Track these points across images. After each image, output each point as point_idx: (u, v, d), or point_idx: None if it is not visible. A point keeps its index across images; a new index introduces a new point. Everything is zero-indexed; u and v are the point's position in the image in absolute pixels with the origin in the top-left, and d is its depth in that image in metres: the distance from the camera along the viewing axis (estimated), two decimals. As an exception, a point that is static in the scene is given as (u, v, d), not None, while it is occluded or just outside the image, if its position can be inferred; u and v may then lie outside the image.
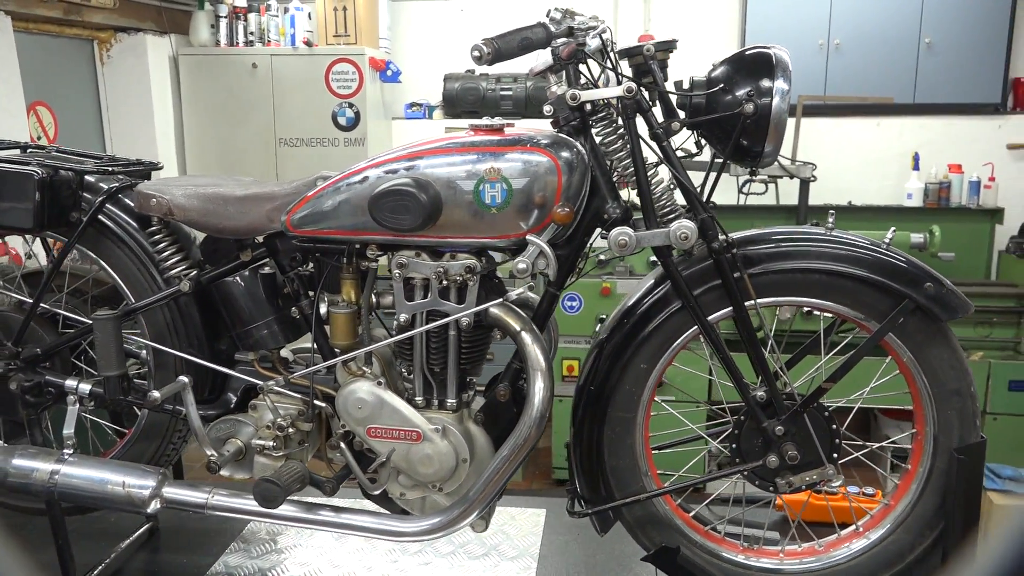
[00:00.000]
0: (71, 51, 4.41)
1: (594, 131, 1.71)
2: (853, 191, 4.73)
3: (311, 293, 1.87)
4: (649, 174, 1.70)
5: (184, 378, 1.73)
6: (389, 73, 4.91)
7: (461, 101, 5.13)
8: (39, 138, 4.05)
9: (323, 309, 1.81)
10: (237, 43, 4.80)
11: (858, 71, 4.77)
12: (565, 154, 1.64)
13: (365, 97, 4.72)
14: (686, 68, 1.90)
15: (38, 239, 1.99)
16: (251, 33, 4.77)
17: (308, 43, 4.68)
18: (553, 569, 2.10)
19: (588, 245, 1.78)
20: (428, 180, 1.62)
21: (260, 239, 1.82)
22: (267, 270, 1.82)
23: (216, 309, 1.86)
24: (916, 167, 4.69)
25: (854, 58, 4.79)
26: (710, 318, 1.72)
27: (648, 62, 1.64)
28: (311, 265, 1.87)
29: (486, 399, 1.87)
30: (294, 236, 1.75)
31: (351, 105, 4.73)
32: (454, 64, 5.24)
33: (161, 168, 1.92)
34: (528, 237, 1.63)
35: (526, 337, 1.70)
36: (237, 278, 1.79)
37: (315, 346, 1.85)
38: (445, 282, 1.71)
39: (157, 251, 1.82)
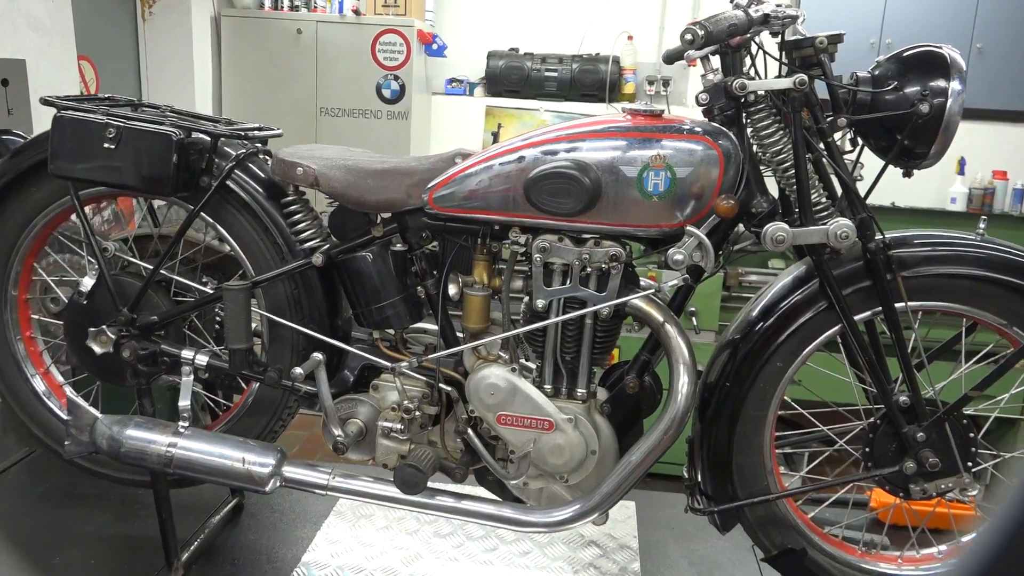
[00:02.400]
0: (114, 6, 4.29)
1: (746, 122, 1.67)
2: (897, 192, 4.72)
3: (435, 272, 1.82)
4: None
5: (319, 355, 1.67)
6: (435, 47, 4.83)
7: (505, 80, 5.08)
8: (81, 93, 3.93)
9: (451, 290, 1.76)
10: (282, 7, 4.69)
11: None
12: (726, 144, 1.59)
13: (411, 70, 4.63)
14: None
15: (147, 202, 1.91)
16: (297, -3, 4.66)
17: (356, 11, 4.58)
18: (657, 563, 2.08)
19: (729, 238, 1.74)
20: (589, 164, 1.57)
21: (388, 215, 1.76)
22: (397, 247, 1.76)
23: (340, 284, 1.80)
24: (961, 172, 4.68)
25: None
26: (855, 318, 1.69)
27: (818, 55, 1.59)
28: (436, 244, 1.82)
29: (609, 390, 1.84)
30: (434, 213, 1.69)
31: (396, 78, 4.64)
32: (497, 41, 5.17)
33: (281, 135, 1.84)
34: (687, 228, 1.59)
35: (670, 330, 1.66)
36: (368, 254, 1.73)
37: (441, 327, 1.79)
38: (588, 269, 1.66)
39: (291, 222, 1.75)
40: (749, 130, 1.67)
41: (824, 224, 1.62)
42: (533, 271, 1.69)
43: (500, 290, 1.74)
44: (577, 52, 5.09)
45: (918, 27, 4.72)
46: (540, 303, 1.69)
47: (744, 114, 1.65)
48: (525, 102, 5.07)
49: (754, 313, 1.79)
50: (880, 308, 1.69)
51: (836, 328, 1.72)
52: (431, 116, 5.16)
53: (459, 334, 1.81)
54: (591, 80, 4.99)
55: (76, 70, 3.58)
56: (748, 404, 1.77)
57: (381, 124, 4.71)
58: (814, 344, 1.74)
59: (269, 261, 1.78)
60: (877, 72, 1.66)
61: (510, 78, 5.04)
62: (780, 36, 1.60)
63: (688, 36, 1.47)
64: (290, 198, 1.76)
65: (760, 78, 1.65)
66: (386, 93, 4.66)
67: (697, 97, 1.67)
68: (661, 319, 1.66)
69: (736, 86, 1.57)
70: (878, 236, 1.64)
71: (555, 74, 5.00)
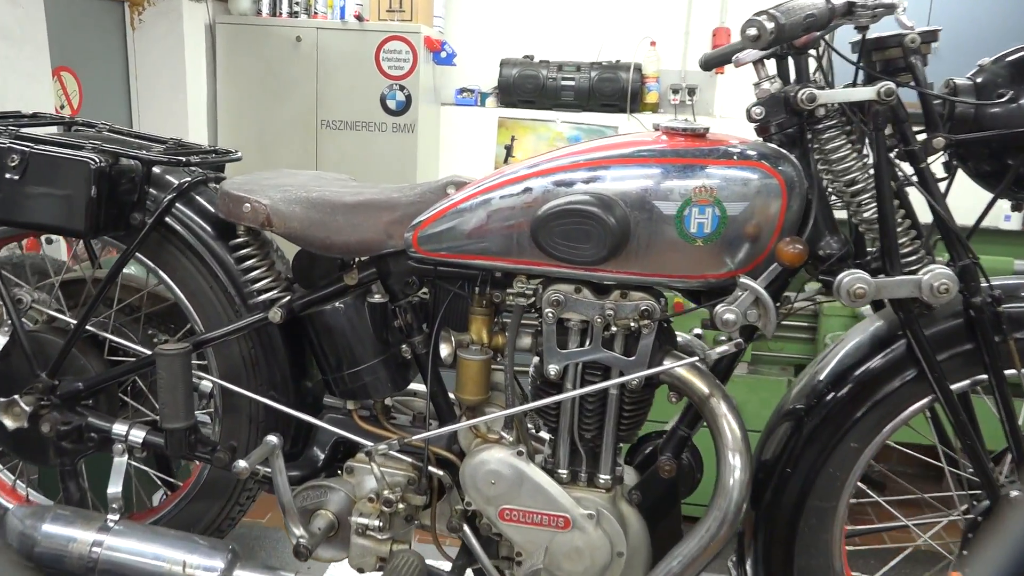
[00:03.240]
0: (100, 13, 4.00)
1: (812, 142, 1.32)
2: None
3: (424, 328, 1.48)
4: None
5: (274, 438, 1.34)
6: (444, 55, 4.51)
7: (519, 89, 4.75)
8: (62, 107, 3.65)
9: (443, 351, 1.42)
10: (280, 13, 4.39)
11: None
12: (788, 171, 1.25)
13: (418, 79, 4.31)
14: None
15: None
16: (296, 3, 4.36)
17: (359, 17, 4.27)
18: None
19: (786, 287, 1.38)
20: (614, 198, 1.23)
21: (366, 258, 1.43)
22: (377, 298, 1.42)
23: (307, 343, 1.47)
24: (1017, 186, 4.28)
25: (955, 64, 4.37)
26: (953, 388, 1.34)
27: (908, 57, 1.24)
28: (424, 291, 1.48)
29: (637, 470, 1.50)
30: (420, 257, 1.35)
31: (402, 88, 4.33)
32: (510, 48, 4.84)
33: (239, 159, 1.52)
34: (741, 279, 1.24)
35: (719, 406, 1.32)
36: (340, 307, 1.40)
37: (431, 395, 1.46)
38: (613, 327, 1.32)
39: (245, 268, 1.42)
40: (815, 153, 1.32)
41: (916, 273, 1.27)
42: (544, 330, 1.35)
43: (503, 350, 1.40)
44: (596, 60, 4.76)
45: (966, 23, 4.33)
46: (553, 370, 1.35)
47: (809, 132, 1.31)
48: (540, 113, 4.74)
49: (821, 379, 1.44)
50: (984, 376, 1.34)
51: (926, 400, 1.37)
52: (440, 128, 4.84)
53: (453, 402, 1.48)
54: (611, 89, 4.65)
55: (51, 83, 3.28)
56: (814, 494, 1.42)
57: (386, 137, 4.39)
58: (898, 420, 1.39)
59: (221, 314, 1.46)
60: (980, 79, 1.31)
61: (524, 87, 4.71)
62: (862, 33, 1.25)
63: (752, 31, 1.12)
64: (241, 239, 1.43)
65: (829, 86, 1.30)
66: (391, 104, 4.35)
67: (749, 111, 1.32)
68: (706, 391, 1.32)
69: (803, 98, 1.22)
70: (984, 286, 1.29)
71: (572, 83, 4.67)
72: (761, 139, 1.33)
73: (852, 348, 1.43)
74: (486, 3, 4.88)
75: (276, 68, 4.38)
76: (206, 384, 1.61)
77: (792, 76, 1.33)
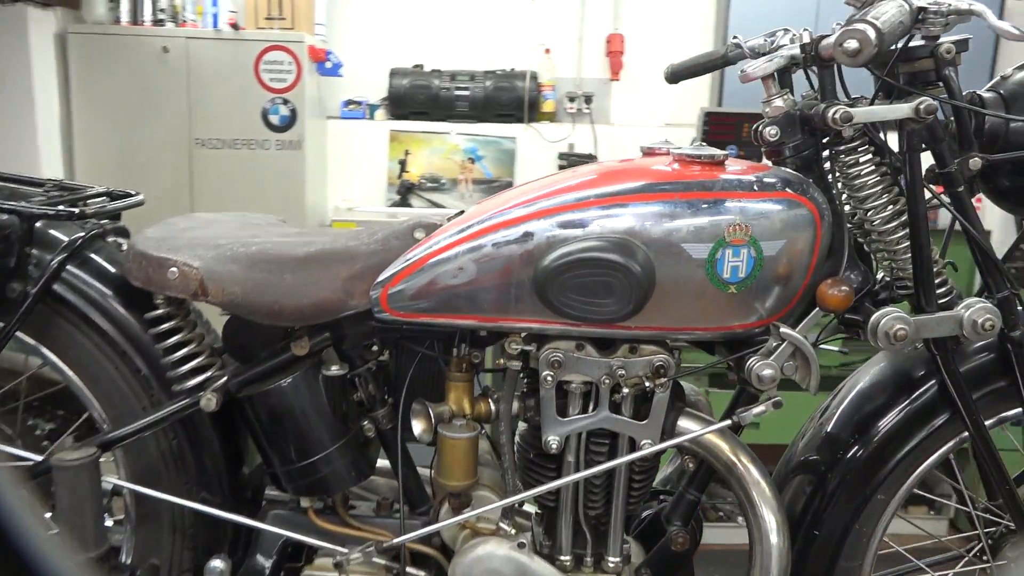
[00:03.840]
0: (-75, 22, 3.46)
1: (834, 166, 1.18)
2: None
3: (389, 398, 1.24)
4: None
5: (219, 563, 1.05)
6: (329, 65, 4.21)
7: (410, 100, 4.50)
8: None
9: (416, 428, 1.18)
10: (143, 21, 3.96)
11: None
12: (818, 199, 1.10)
13: (303, 92, 4.00)
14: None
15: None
16: (161, 10, 3.95)
17: (234, 25, 3.91)
18: None
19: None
20: (636, 243, 1.03)
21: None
22: (333, 370, 1.17)
23: (244, 427, 1.19)
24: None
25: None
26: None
27: (941, 69, 1.11)
28: (388, 354, 1.24)
29: (641, 541, 1.31)
30: (390, 320, 1.11)
31: (286, 101, 4.00)
32: (400, 58, 4.58)
33: (141, 203, 1.22)
34: (782, 329, 1.07)
35: (750, 473, 1.15)
36: (287, 384, 1.14)
37: (403, 482, 1.21)
38: (623, 389, 1.12)
39: (164, 347, 1.13)
40: (834, 177, 1.17)
41: (955, 309, 1.14)
42: (542, 395, 1.13)
43: (487, 419, 1.18)
44: (490, 68, 4.57)
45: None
46: (554, 442, 1.14)
47: (830, 155, 1.16)
48: (434, 125, 4.51)
49: (838, 429, 1.29)
50: (1015, 411, 1.24)
51: (955, 442, 1.26)
52: (327, 144, 4.53)
53: (423, 478, 1.24)
54: (507, 98, 4.47)
55: None
56: (843, 555, 1.27)
57: (270, 156, 4.04)
58: (926, 465, 1.27)
59: (132, 402, 1.16)
60: (1004, 91, 1.19)
61: (416, 98, 4.47)
62: (906, 42, 1.10)
63: (853, 44, 0.94)
64: (160, 312, 1.14)
65: (850, 102, 1.15)
66: (274, 119, 4.01)
67: (760, 132, 1.15)
68: (733, 456, 1.15)
69: (836, 117, 1.06)
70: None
71: (467, 93, 4.47)
72: (770, 162, 1.17)
73: (869, 390, 1.30)
74: (371, 10, 4.60)
75: (140, 82, 3.94)
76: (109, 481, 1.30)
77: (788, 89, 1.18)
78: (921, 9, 1.01)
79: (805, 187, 1.08)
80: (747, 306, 1.06)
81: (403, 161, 4.51)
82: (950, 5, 1.01)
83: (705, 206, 1.02)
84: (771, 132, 1.14)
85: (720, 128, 4.04)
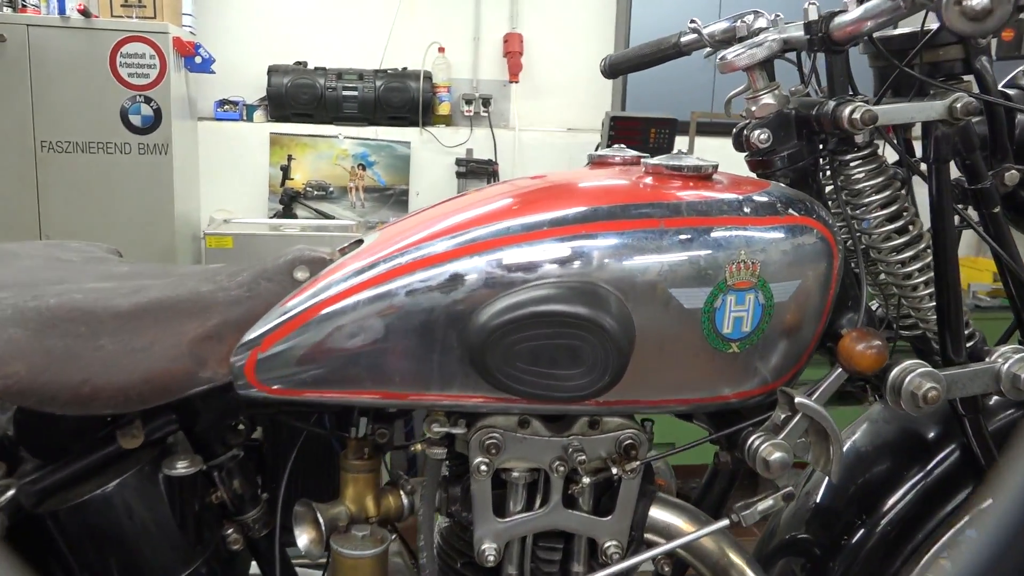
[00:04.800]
0: None
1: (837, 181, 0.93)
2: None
3: (262, 494, 0.91)
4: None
5: None
6: (199, 60, 3.78)
7: (292, 101, 4.12)
8: None
9: (300, 539, 0.86)
10: (-28, 5, 3.42)
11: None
12: (832, 226, 0.84)
13: (168, 90, 3.55)
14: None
15: None
16: (-5, -8, 3.42)
17: (85, 12, 3.42)
18: None
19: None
20: (605, 289, 0.75)
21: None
22: (180, 467, 0.84)
23: (48, 551, 0.84)
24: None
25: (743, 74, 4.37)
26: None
27: (976, 59, 0.88)
28: (258, 429, 0.92)
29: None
30: (260, 398, 0.79)
31: (148, 100, 3.55)
32: (280, 54, 4.18)
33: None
34: (798, 400, 0.81)
35: (747, 578, 0.88)
36: (112, 491, 0.79)
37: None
38: (582, 479, 0.84)
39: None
40: (837, 195, 0.93)
41: (989, 360, 0.91)
42: (473, 490, 0.84)
43: (400, 517, 0.88)
44: (380, 67, 4.24)
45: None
46: (489, 551, 0.84)
47: (830, 166, 0.91)
48: (320, 128, 4.16)
49: (827, 498, 1.05)
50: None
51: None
52: (199, 148, 4.09)
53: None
54: (399, 100, 4.16)
55: None
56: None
57: (132, 161, 3.58)
58: (943, 543, 1.04)
59: None
60: (1025, 83, 0.98)
61: (299, 99, 4.09)
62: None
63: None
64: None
65: (865, 97, 0.91)
66: (135, 120, 3.55)
67: (745, 136, 0.90)
68: (726, 564, 0.87)
69: (858, 118, 0.81)
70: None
71: (355, 93, 4.13)
72: (756, 174, 0.91)
73: (867, 453, 1.06)
74: (248, 0, 4.18)
75: (-28, 76, 3.41)
76: None
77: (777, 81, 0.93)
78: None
79: (813, 207, 0.83)
80: (750, 369, 0.80)
81: (286, 167, 4.12)
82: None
83: (701, 237, 0.75)
84: (761, 137, 0.88)
85: (627, 134, 3.84)
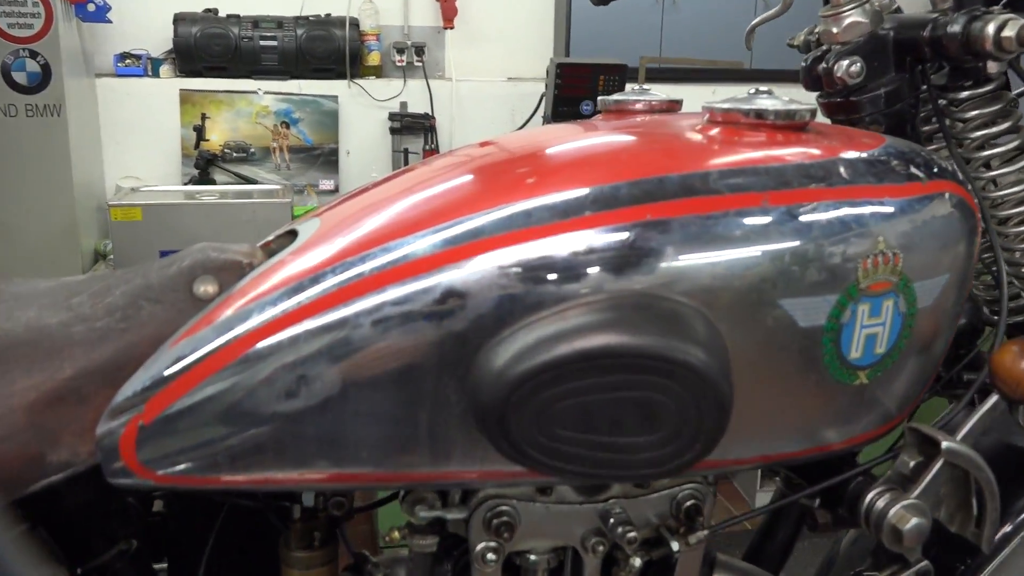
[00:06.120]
0: None
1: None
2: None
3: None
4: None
5: None
6: (92, 8, 3.38)
7: (203, 53, 3.72)
8: None
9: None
10: None
11: (696, 29, 4.12)
12: (972, 190, 0.59)
13: (57, 42, 3.16)
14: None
15: None
16: None
17: (-51, -48, 2.97)
18: None
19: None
20: (686, 307, 0.48)
21: None
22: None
23: None
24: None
25: (692, 14, 4.15)
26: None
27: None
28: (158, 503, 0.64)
29: None
30: (145, 486, 0.51)
31: (34, 54, 3.15)
32: (185, 0, 3.76)
33: None
34: (946, 445, 0.57)
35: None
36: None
37: None
38: (632, 560, 0.59)
39: None
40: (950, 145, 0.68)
41: None
42: (475, 586, 0.57)
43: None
44: (300, 14, 3.87)
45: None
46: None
47: (935, 107, 0.67)
48: (236, 83, 3.79)
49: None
50: None
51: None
52: (99, 108, 3.68)
53: None
54: (324, 50, 3.81)
55: None
56: None
57: (18, 124, 3.18)
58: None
59: None
60: None
61: (210, 50, 3.70)
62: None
63: None
64: None
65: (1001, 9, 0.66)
66: (19, 77, 3.14)
67: (824, 68, 0.64)
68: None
69: (1012, 35, 0.56)
70: None
71: (274, 43, 3.77)
72: (848, 123, 0.66)
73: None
74: (143, -64, 3.74)
75: None
76: None
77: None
78: None
79: (952, 168, 0.58)
80: (876, 404, 0.55)
81: (199, 127, 3.73)
82: None
83: (824, 219, 0.49)
84: (852, 69, 0.63)
85: (575, 82, 3.60)
